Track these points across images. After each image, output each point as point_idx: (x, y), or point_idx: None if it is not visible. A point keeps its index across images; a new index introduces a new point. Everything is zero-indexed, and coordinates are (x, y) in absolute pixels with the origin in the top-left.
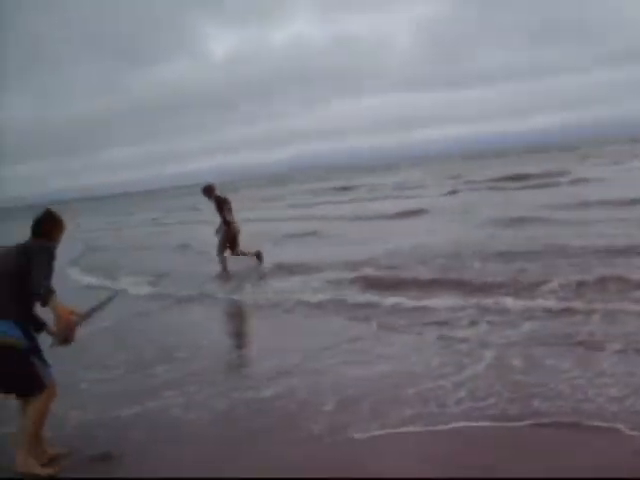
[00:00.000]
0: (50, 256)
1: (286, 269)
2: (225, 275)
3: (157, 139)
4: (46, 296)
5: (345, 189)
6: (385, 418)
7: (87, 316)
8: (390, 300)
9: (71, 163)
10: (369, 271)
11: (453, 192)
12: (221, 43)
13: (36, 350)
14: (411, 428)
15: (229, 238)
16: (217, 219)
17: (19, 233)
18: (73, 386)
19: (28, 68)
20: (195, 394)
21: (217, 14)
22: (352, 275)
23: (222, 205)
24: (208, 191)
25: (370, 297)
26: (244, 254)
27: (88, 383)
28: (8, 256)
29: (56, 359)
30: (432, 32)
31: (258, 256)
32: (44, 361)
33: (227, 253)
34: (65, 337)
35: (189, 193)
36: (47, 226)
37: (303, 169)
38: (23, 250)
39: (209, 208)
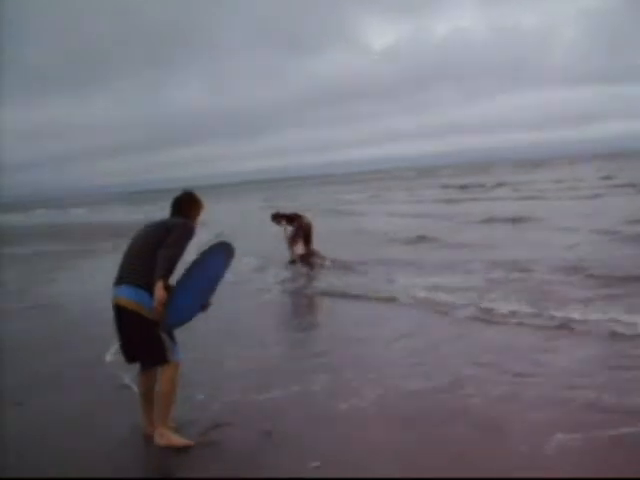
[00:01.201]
0: (188, 234)
1: None
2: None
3: (317, 127)
4: (158, 277)
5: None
6: None
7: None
8: None
9: (235, 148)
10: None
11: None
12: (380, 35)
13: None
14: None
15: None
16: None
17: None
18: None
19: (202, 53)
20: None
21: (376, 5)
22: None
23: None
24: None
25: None
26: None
27: (236, 360)
28: (155, 229)
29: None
30: (598, 24)
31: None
32: (172, 338)
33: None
34: (157, 313)
35: (347, 181)
36: (186, 206)
37: (459, 163)
38: (165, 225)
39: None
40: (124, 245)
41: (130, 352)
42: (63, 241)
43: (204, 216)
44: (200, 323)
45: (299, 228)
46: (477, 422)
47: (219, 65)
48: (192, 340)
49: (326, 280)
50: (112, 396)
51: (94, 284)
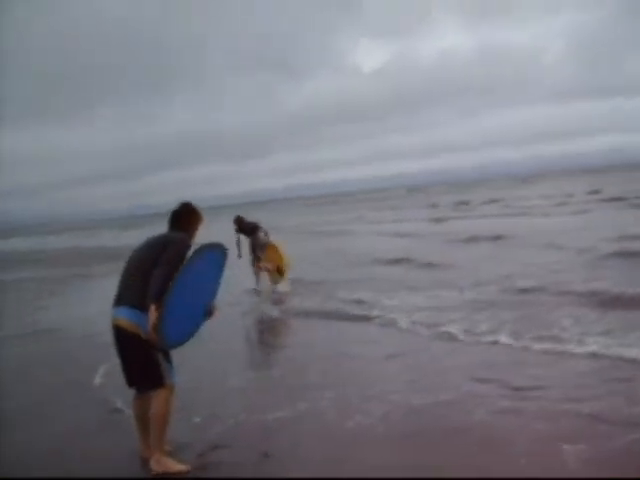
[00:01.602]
0: (183, 250)
1: None
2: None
3: (308, 149)
4: (150, 300)
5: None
6: None
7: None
8: None
9: (234, 169)
10: None
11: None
12: (370, 57)
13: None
14: None
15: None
16: None
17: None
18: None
19: (188, 78)
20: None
21: (365, 28)
22: None
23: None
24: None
25: None
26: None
27: (240, 381)
28: (152, 246)
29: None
30: (585, 39)
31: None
32: (169, 360)
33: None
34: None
35: (338, 201)
36: (184, 218)
37: (450, 180)
38: (162, 241)
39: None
40: (116, 269)
41: (129, 375)
42: (55, 266)
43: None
44: (195, 345)
45: (254, 244)
46: (482, 435)
47: (207, 90)
48: (187, 361)
49: (309, 300)
50: (104, 420)
51: (85, 308)
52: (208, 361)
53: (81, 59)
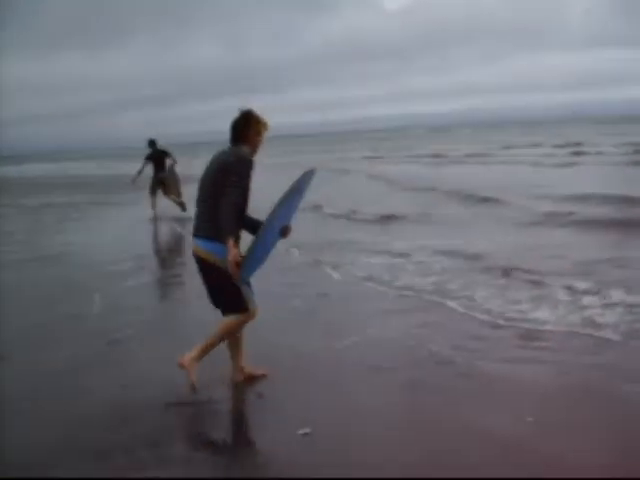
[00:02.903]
0: (246, 171)
1: None
2: None
3: (332, 85)
4: (225, 236)
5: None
6: None
7: (250, 254)
8: None
9: (253, 103)
10: None
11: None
12: None
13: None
14: None
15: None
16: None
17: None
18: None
19: (215, 14)
20: None
21: None
22: None
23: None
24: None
25: None
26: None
27: None
28: (215, 170)
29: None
30: None
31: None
32: (249, 285)
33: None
34: (234, 273)
35: (356, 139)
36: (244, 129)
37: (473, 123)
38: (224, 163)
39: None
40: (134, 198)
41: (213, 298)
42: (76, 193)
43: None
44: None
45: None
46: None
47: (234, 23)
48: None
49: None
50: (101, 353)
51: (102, 236)
52: None
53: None
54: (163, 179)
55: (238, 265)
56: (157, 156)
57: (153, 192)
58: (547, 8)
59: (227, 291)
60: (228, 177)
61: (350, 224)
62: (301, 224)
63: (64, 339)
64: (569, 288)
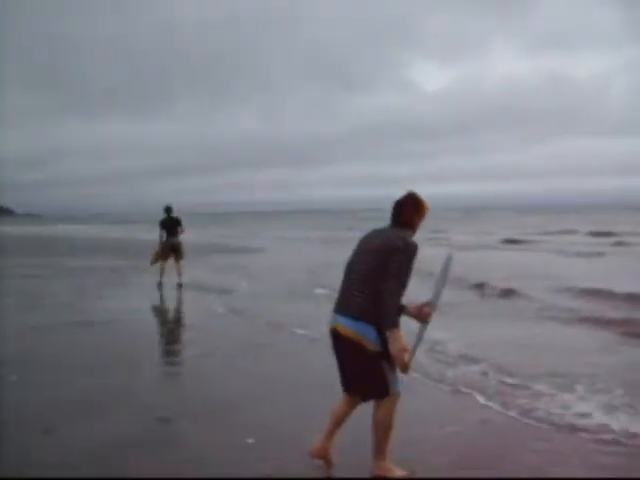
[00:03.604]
0: (411, 258)
1: None
2: None
3: (367, 163)
4: (389, 327)
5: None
6: None
7: (418, 342)
8: None
9: (290, 176)
10: None
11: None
12: (431, 78)
13: (387, 355)
14: None
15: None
16: None
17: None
18: None
19: (255, 88)
20: None
21: (427, 50)
22: None
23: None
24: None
25: None
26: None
27: None
28: (376, 251)
29: None
30: None
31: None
32: (393, 368)
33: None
34: (403, 368)
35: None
36: (409, 211)
37: (508, 205)
38: (387, 246)
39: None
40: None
41: (346, 379)
42: (124, 256)
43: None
44: None
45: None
46: None
47: (270, 97)
48: None
49: None
50: (149, 430)
51: (144, 302)
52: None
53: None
54: (175, 246)
55: (406, 353)
56: (170, 223)
57: (164, 258)
58: (586, 94)
59: (372, 375)
60: (392, 261)
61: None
62: None
63: (112, 412)
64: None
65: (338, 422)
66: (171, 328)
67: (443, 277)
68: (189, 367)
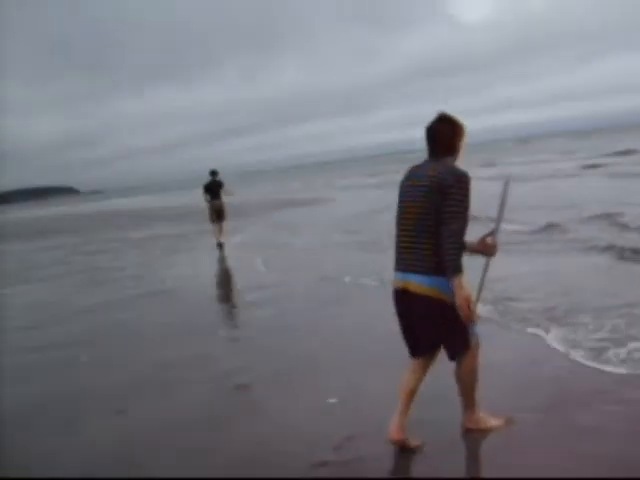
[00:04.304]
0: (466, 191)
1: None
2: None
3: (415, 103)
4: (452, 274)
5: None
6: None
7: (482, 283)
8: None
9: (342, 124)
10: None
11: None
12: (472, 8)
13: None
14: None
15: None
16: None
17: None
18: None
19: (301, 35)
20: None
21: None
22: None
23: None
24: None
25: None
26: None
27: None
28: (426, 194)
29: None
30: None
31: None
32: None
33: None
34: (467, 317)
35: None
36: (454, 138)
37: (569, 130)
38: (438, 186)
39: None
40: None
41: (419, 342)
42: (184, 223)
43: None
44: None
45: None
46: None
47: (313, 46)
48: None
49: None
50: (229, 399)
51: (207, 267)
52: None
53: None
54: (217, 207)
55: (469, 305)
56: (212, 186)
57: (212, 220)
58: (635, 6)
59: (454, 328)
60: (447, 200)
61: None
62: None
63: (190, 383)
64: None
65: (411, 394)
66: (235, 290)
67: (502, 204)
68: (260, 329)
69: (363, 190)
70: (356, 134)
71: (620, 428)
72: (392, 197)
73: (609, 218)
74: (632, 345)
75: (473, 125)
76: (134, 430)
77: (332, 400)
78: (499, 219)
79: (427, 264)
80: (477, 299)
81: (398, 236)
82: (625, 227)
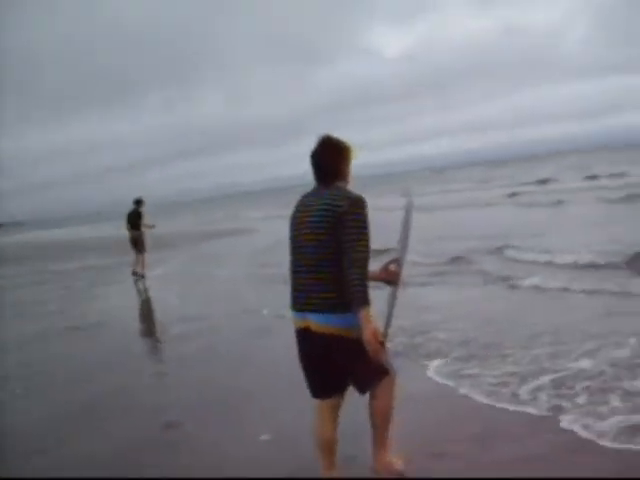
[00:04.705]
0: (364, 215)
1: None
2: None
3: (336, 133)
4: (358, 307)
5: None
6: None
7: (391, 313)
8: None
9: (262, 157)
10: None
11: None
12: (392, 42)
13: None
14: None
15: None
16: None
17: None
18: None
19: (221, 70)
20: None
21: (384, 13)
22: None
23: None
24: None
25: None
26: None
27: None
28: (320, 221)
29: None
30: (607, 17)
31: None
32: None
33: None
34: (374, 354)
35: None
36: (340, 161)
37: (483, 160)
38: (330, 215)
39: None
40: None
41: (324, 382)
42: (105, 255)
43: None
44: None
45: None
46: None
47: (233, 79)
48: None
49: None
50: (157, 437)
51: (129, 299)
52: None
53: (115, 58)
54: (135, 238)
55: (378, 338)
56: (132, 215)
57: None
58: (543, 42)
59: (364, 364)
60: (344, 229)
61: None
62: None
63: (116, 420)
64: None
65: (330, 445)
66: (158, 323)
67: (405, 230)
68: (186, 363)
69: (284, 220)
70: (277, 165)
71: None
72: None
73: (516, 249)
74: (534, 383)
75: (392, 155)
76: (54, 472)
77: (265, 437)
78: (403, 245)
79: (327, 301)
80: (386, 332)
81: (293, 272)
82: (517, 260)
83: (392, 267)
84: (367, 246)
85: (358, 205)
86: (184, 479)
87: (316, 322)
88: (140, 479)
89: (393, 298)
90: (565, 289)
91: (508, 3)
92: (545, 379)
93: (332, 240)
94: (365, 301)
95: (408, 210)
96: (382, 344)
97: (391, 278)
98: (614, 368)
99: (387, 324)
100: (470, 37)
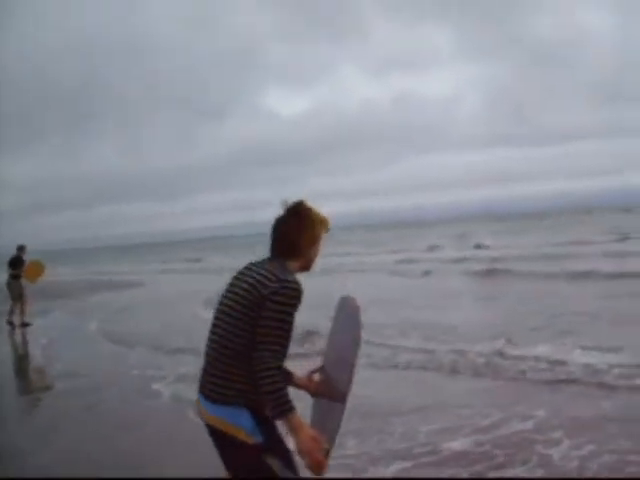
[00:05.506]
0: (291, 305)
1: None
2: None
3: (226, 190)
4: (281, 416)
5: None
6: None
7: (335, 432)
8: None
9: (151, 209)
10: None
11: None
12: (286, 104)
13: (274, 449)
14: None
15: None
16: None
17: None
18: None
19: (115, 120)
20: None
21: (278, 77)
22: None
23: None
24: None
25: None
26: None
27: None
28: (244, 301)
29: None
30: (497, 90)
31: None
32: (291, 465)
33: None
34: (317, 468)
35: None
36: (298, 234)
37: (370, 224)
38: (258, 292)
39: None
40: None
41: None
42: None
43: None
44: None
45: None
46: None
47: (131, 130)
48: None
49: None
50: None
51: (13, 355)
52: None
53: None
54: (14, 286)
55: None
56: (14, 262)
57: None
58: (435, 113)
59: (252, 471)
60: (267, 311)
61: None
62: None
63: None
64: None
65: None
66: (39, 378)
67: (353, 334)
68: (74, 422)
69: (172, 275)
70: (173, 218)
71: None
72: (200, 286)
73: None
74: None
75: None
76: None
77: None
78: (353, 354)
79: (221, 391)
80: (330, 450)
81: (206, 346)
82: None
83: (315, 377)
84: (282, 342)
85: (287, 292)
86: (189, 478)
87: (206, 410)
88: (140, 479)
89: (339, 416)
90: None
91: (400, 74)
92: None
93: (246, 323)
94: (288, 407)
95: (352, 314)
96: (327, 454)
97: (313, 390)
98: None
99: (331, 444)
100: (364, 103)
